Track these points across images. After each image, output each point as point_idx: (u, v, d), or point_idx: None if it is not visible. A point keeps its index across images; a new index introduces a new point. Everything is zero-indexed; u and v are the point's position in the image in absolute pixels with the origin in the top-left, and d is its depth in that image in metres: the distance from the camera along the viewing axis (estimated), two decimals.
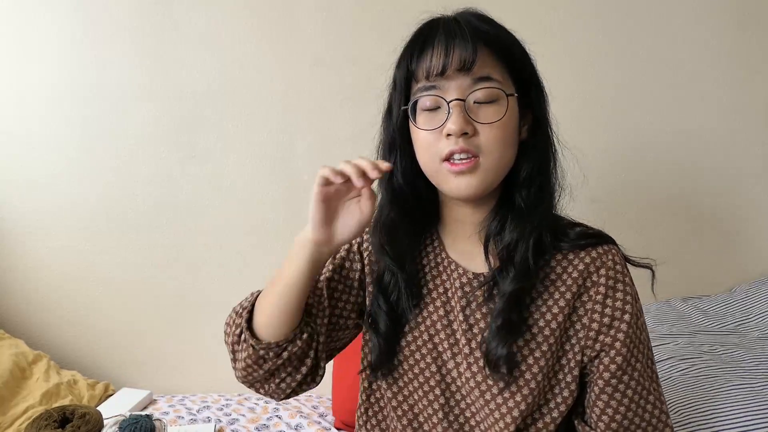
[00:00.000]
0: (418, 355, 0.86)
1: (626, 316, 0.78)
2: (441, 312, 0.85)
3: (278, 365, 0.83)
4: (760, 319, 1.68)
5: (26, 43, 1.68)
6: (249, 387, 0.88)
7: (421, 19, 0.81)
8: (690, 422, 1.19)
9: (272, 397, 0.89)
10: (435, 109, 0.77)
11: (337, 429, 1.55)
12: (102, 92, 1.70)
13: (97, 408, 1.44)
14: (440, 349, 0.84)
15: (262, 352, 0.81)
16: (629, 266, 0.83)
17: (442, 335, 0.84)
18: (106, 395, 1.68)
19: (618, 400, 0.79)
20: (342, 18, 1.69)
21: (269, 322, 0.81)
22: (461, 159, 0.74)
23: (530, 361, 0.79)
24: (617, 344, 0.78)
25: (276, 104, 1.73)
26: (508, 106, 0.75)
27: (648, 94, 1.77)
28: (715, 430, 1.17)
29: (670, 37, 1.75)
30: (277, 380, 0.85)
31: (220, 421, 1.56)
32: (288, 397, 0.89)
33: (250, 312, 0.85)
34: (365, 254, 0.91)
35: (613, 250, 0.81)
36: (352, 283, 0.91)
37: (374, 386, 0.92)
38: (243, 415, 1.60)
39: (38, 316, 1.81)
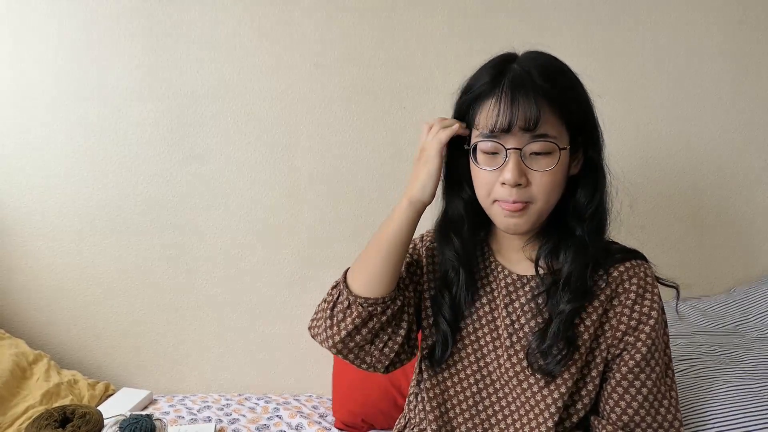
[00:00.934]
0: (460, 345, 0.96)
1: (651, 321, 0.88)
2: (486, 308, 0.96)
3: (383, 323, 0.92)
4: (759, 319, 1.68)
5: (26, 43, 1.68)
6: (348, 357, 0.95)
7: (493, 56, 0.89)
8: (690, 422, 1.19)
9: (375, 369, 0.96)
10: (493, 153, 0.85)
11: (338, 429, 1.55)
12: (102, 92, 1.70)
13: (98, 408, 1.43)
14: (482, 342, 0.95)
15: (371, 308, 0.90)
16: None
17: (486, 329, 0.95)
18: (107, 395, 1.68)
19: (632, 395, 0.88)
20: (342, 18, 1.69)
21: (373, 280, 0.90)
22: (513, 204, 0.84)
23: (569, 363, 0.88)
24: (638, 344, 0.88)
25: (276, 104, 1.73)
26: (560, 158, 0.83)
27: (647, 94, 1.77)
28: (714, 431, 1.17)
29: (670, 37, 1.75)
30: (380, 344, 0.94)
31: (221, 421, 1.56)
32: (388, 368, 0.97)
33: (345, 283, 0.94)
34: (425, 257, 1.02)
35: (645, 265, 0.91)
36: (415, 278, 1.01)
37: (425, 374, 1.00)
38: (243, 415, 1.60)
39: (38, 316, 1.81)
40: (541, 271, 0.91)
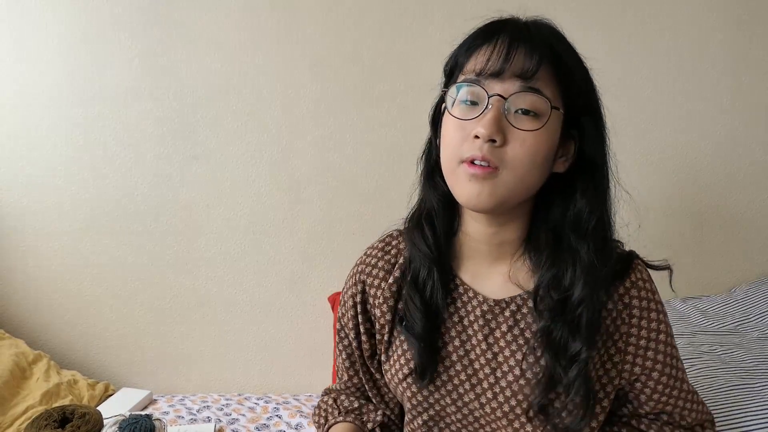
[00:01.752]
0: (438, 383, 0.81)
1: (661, 336, 0.77)
2: (456, 342, 0.80)
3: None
4: (760, 319, 1.68)
5: (26, 43, 1.68)
6: None
7: (489, 17, 0.75)
8: None
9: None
10: (473, 103, 0.70)
11: None
12: (102, 92, 1.70)
13: (97, 408, 1.44)
14: (456, 382, 0.79)
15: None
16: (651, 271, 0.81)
17: (459, 367, 0.79)
18: (106, 395, 1.68)
19: (668, 396, 0.80)
20: (342, 18, 1.69)
21: None
22: (480, 163, 0.68)
23: (563, 398, 0.74)
24: (658, 366, 0.77)
25: (276, 104, 1.73)
26: (549, 119, 0.68)
27: (647, 95, 1.77)
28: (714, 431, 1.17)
29: (670, 37, 1.75)
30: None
31: (220, 420, 1.56)
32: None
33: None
34: (369, 301, 0.87)
35: (639, 266, 0.78)
36: (366, 338, 0.88)
37: (420, 396, 0.83)
38: (243, 415, 1.60)
39: (38, 316, 1.81)
40: (518, 291, 0.77)
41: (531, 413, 0.74)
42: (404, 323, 0.82)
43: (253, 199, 1.77)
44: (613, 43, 1.74)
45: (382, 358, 0.86)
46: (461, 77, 0.72)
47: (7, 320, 1.80)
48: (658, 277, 0.81)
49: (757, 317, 1.69)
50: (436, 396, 0.80)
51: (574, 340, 0.71)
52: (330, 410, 0.94)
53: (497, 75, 0.68)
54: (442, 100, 0.77)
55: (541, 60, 0.68)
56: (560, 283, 0.73)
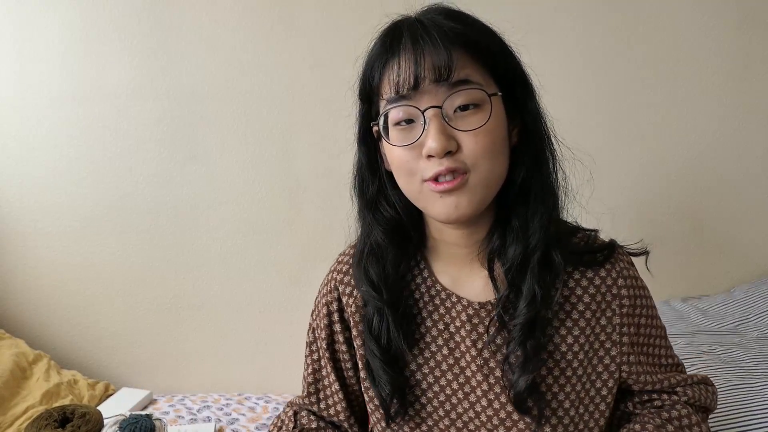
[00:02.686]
0: (424, 400, 0.77)
1: (650, 320, 0.79)
2: (445, 351, 0.76)
3: None
4: (760, 319, 1.68)
5: (26, 43, 1.68)
6: None
7: (379, 27, 0.71)
8: None
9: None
10: (409, 122, 0.67)
11: None
12: (102, 92, 1.70)
13: (97, 408, 1.43)
14: (448, 392, 0.76)
15: None
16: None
17: (450, 376, 0.75)
18: (106, 395, 1.68)
19: (655, 366, 0.81)
20: (342, 18, 1.69)
21: None
22: (446, 178, 0.65)
23: (555, 389, 0.73)
24: (645, 337, 0.79)
25: (276, 104, 1.73)
26: (492, 108, 0.65)
27: (647, 95, 1.77)
28: (714, 430, 1.17)
29: (670, 37, 1.75)
30: None
31: (220, 420, 1.56)
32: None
33: None
34: (346, 310, 0.83)
35: (622, 257, 0.76)
36: (346, 347, 0.84)
37: None
38: (243, 415, 1.60)
39: (38, 316, 1.81)
40: (501, 286, 0.73)
41: (519, 405, 0.72)
42: (369, 368, 0.78)
43: (253, 199, 1.77)
44: (613, 43, 1.74)
45: (362, 375, 0.81)
46: (382, 102, 0.69)
47: (7, 320, 1.80)
48: (640, 263, 0.81)
49: (756, 317, 1.69)
50: (428, 409, 0.77)
51: (517, 307, 0.70)
52: (287, 423, 0.89)
53: (417, 86, 0.65)
54: (367, 120, 0.74)
55: (450, 48, 0.64)
56: (505, 252, 0.71)
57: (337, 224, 1.81)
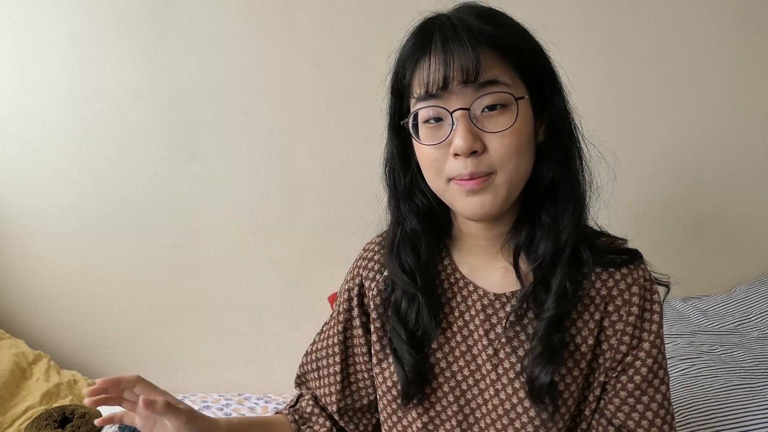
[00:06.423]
0: (435, 384, 0.79)
1: (652, 336, 0.75)
2: (459, 338, 0.78)
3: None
4: (760, 319, 1.68)
5: (26, 43, 1.68)
6: None
7: (413, 23, 0.73)
8: (690, 422, 1.19)
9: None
10: (438, 120, 0.69)
11: None
12: (102, 92, 1.71)
13: (97, 408, 1.43)
14: (459, 378, 0.78)
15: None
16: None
17: (462, 362, 0.78)
18: None
19: (645, 405, 0.75)
20: (342, 18, 1.70)
21: None
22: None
23: (568, 380, 0.74)
24: (643, 358, 0.74)
25: (276, 104, 1.73)
26: (519, 110, 0.67)
27: (648, 95, 1.77)
28: (715, 430, 1.17)
29: (671, 37, 1.75)
30: None
31: None
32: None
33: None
34: (366, 294, 0.85)
35: (643, 266, 0.76)
36: (362, 331, 0.86)
37: (402, 417, 0.82)
38: (243, 415, 1.60)
39: (38, 316, 1.81)
40: (525, 282, 0.74)
41: (532, 412, 0.72)
42: (393, 348, 0.79)
43: (253, 198, 1.77)
44: (614, 42, 1.74)
45: (374, 360, 0.84)
46: (412, 99, 0.71)
47: (7, 320, 1.80)
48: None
49: (757, 317, 1.69)
50: (438, 394, 0.79)
51: (544, 303, 0.71)
52: (294, 398, 0.95)
53: (446, 86, 0.67)
54: (398, 114, 0.76)
55: (479, 50, 0.65)
56: (533, 247, 0.73)
57: (337, 224, 1.82)
